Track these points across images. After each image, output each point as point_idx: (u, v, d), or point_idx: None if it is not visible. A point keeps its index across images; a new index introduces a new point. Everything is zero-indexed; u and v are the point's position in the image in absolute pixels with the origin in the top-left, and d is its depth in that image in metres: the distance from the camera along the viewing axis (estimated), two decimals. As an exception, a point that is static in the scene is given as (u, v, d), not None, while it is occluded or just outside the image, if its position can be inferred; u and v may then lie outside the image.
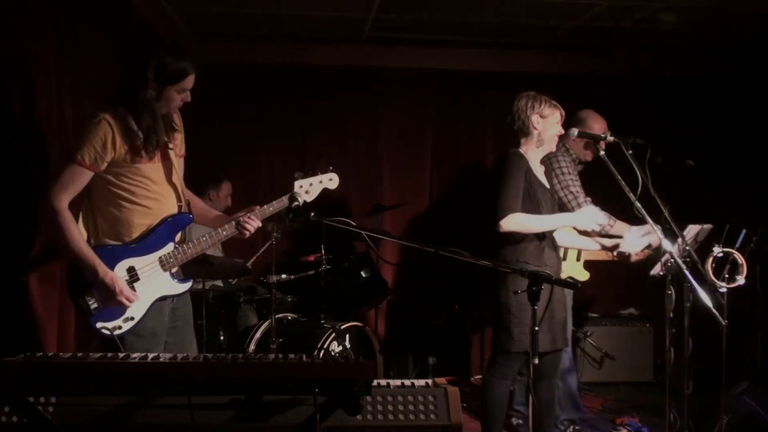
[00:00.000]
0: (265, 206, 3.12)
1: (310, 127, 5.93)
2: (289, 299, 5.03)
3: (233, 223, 3.07)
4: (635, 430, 4.46)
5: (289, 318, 4.79)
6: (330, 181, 3.26)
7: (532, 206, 3.47)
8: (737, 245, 3.67)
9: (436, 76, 6.01)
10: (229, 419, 2.21)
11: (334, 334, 4.41)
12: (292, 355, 2.19)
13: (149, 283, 2.96)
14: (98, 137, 2.88)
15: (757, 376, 4.80)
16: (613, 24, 5.21)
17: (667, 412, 3.52)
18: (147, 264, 2.96)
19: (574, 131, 3.49)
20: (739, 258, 3.50)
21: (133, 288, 2.92)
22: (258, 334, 4.58)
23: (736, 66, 5.85)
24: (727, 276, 3.49)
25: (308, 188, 3.22)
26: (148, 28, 4.90)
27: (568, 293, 3.97)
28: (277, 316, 4.44)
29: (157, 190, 3.03)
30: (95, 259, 2.87)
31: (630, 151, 3.27)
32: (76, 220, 2.97)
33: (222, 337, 4.72)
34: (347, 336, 4.51)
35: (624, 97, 5.78)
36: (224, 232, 3.07)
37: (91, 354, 2.18)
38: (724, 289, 3.44)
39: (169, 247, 3.02)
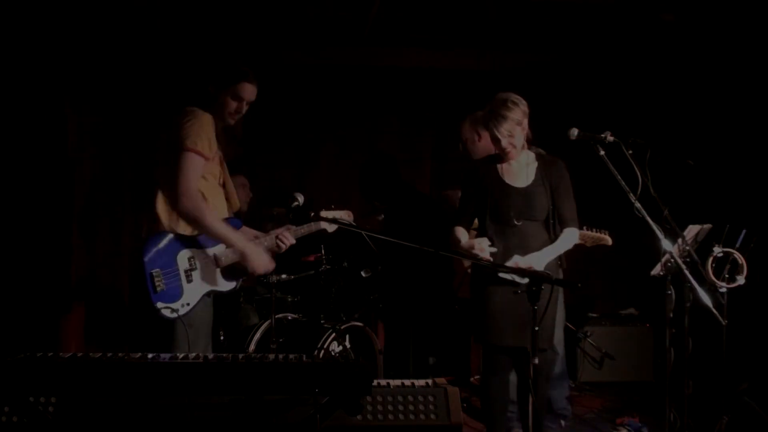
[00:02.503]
0: (298, 227, 3.41)
1: (310, 128, 5.93)
2: (289, 299, 5.03)
3: (273, 236, 3.35)
4: (635, 430, 4.45)
5: (289, 318, 4.79)
6: (348, 216, 3.59)
7: (487, 209, 3.63)
8: (737, 245, 3.67)
9: (437, 76, 6.01)
10: (229, 419, 2.21)
11: (334, 334, 4.41)
12: (292, 355, 2.19)
13: (203, 275, 3.17)
14: (209, 127, 3.09)
15: (757, 376, 4.80)
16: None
17: (667, 412, 3.51)
18: (203, 257, 3.17)
19: (574, 131, 3.49)
20: (739, 258, 3.50)
21: (191, 278, 3.12)
22: (258, 334, 4.57)
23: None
24: (727, 276, 3.49)
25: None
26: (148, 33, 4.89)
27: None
28: (277, 316, 4.44)
29: (214, 189, 3.23)
30: (239, 239, 3.17)
31: (630, 151, 3.27)
32: (154, 204, 3.15)
33: (222, 337, 4.71)
34: (347, 336, 4.51)
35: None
36: (266, 243, 3.35)
37: (91, 354, 2.18)
38: (724, 289, 3.44)
39: (222, 247, 3.22)
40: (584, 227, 4.23)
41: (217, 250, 3.22)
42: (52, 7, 4.08)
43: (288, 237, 3.35)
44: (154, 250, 3.07)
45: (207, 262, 3.18)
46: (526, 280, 3.46)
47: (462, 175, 3.88)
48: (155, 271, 3.03)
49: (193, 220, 3.08)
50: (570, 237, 3.65)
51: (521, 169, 3.66)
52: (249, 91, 3.18)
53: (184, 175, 3.03)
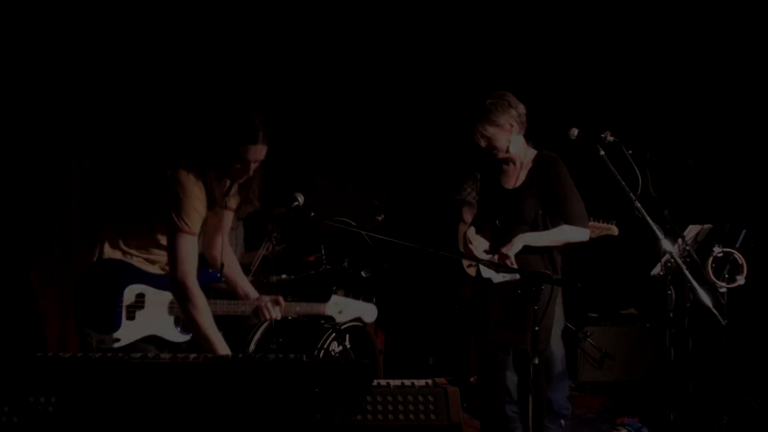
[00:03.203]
0: (293, 303, 3.12)
1: (310, 127, 5.93)
2: (289, 299, 5.02)
3: (253, 304, 3.04)
4: (635, 430, 4.46)
5: (289, 318, 4.79)
6: (368, 313, 3.16)
7: (482, 210, 3.78)
8: (737, 245, 3.68)
9: (439, 75, 6.01)
10: (229, 419, 2.21)
11: (334, 334, 4.41)
12: (292, 355, 2.19)
13: (149, 317, 2.91)
14: (198, 200, 2.79)
15: (757, 376, 4.81)
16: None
17: (667, 412, 3.52)
18: (157, 299, 2.92)
19: (574, 131, 3.49)
20: (739, 258, 3.50)
21: (134, 315, 2.88)
22: (258, 334, 4.57)
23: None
24: (727, 276, 3.49)
25: (342, 308, 3.15)
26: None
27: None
28: (277, 316, 4.44)
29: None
30: (222, 347, 2.79)
31: (630, 151, 3.27)
32: (108, 231, 2.91)
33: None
34: (347, 336, 4.51)
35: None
36: (242, 308, 3.06)
37: (91, 354, 2.18)
38: (724, 289, 3.44)
39: None
40: (590, 218, 4.22)
41: None
42: (57, 15, 4.09)
43: (271, 312, 3.02)
44: (103, 274, 2.87)
45: (159, 306, 2.91)
46: (503, 277, 3.49)
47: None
48: (93, 296, 2.84)
49: (181, 306, 2.82)
50: (563, 231, 3.58)
51: (516, 170, 3.69)
52: (256, 153, 2.81)
53: (180, 258, 2.77)
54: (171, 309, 2.95)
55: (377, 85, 6.01)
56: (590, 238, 4.33)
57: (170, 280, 2.82)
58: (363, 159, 6.00)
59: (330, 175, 5.97)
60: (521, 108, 3.60)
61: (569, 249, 4.35)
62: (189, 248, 2.79)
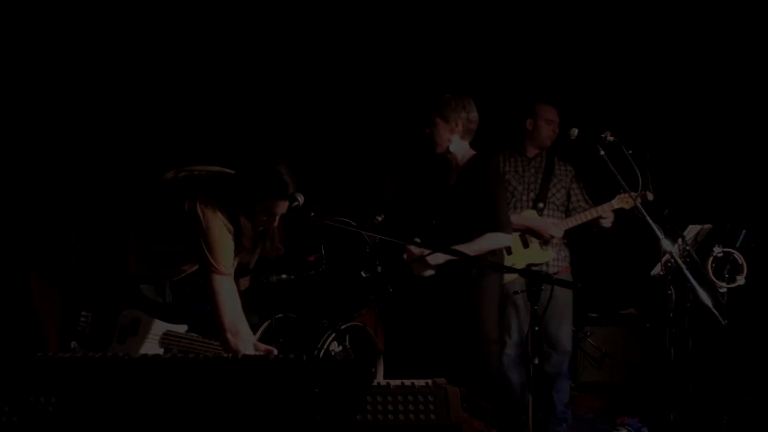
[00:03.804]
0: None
1: (310, 127, 5.92)
2: (289, 299, 5.03)
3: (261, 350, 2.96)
4: (635, 430, 4.46)
5: (289, 318, 4.79)
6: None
7: (425, 211, 3.98)
8: (737, 245, 3.68)
9: (439, 74, 6.01)
10: (228, 419, 2.21)
11: (334, 334, 4.42)
12: (292, 355, 2.19)
13: (139, 344, 2.86)
14: (228, 239, 2.76)
15: (757, 376, 4.81)
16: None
17: (667, 412, 3.52)
18: (151, 328, 2.89)
19: (574, 131, 3.49)
20: (739, 258, 3.51)
21: (125, 339, 2.83)
22: (258, 334, 4.57)
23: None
24: (727, 276, 3.49)
25: None
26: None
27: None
28: (277, 316, 4.44)
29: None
30: None
31: (630, 151, 3.27)
32: (115, 247, 2.87)
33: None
34: (347, 336, 4.52)
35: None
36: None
37: (91, 354, 2.18)
38: (724, 289, 3.45)
39: (182, 327, 2.95)
40: (622, 191, 4.18)
41: (174, 328, 2.93)
42: (71, 17, 4.10)
43: None
44: (102, 290, 2.83)
45: (152, 335, 2.88)
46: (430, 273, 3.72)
47: None
48: (86, 313, 2.80)
49: (229, 346, 2.76)
50: (487, 239, 3.57)
51: (455, 172, 3.77)
52: (284, 207, 2.82)
53: (221, 302, 2.74)
54: (162, 341, 2.90)
55: (377, 85, 6.00)
56: (585, 246, 4.37)
57: (217, 324, 2.75)
58: (363, 159, 6.00)
59: (330, 175, 5.96)
60: (473, 115, 3.72)
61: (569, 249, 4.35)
62: (227, 288, 2.76)
